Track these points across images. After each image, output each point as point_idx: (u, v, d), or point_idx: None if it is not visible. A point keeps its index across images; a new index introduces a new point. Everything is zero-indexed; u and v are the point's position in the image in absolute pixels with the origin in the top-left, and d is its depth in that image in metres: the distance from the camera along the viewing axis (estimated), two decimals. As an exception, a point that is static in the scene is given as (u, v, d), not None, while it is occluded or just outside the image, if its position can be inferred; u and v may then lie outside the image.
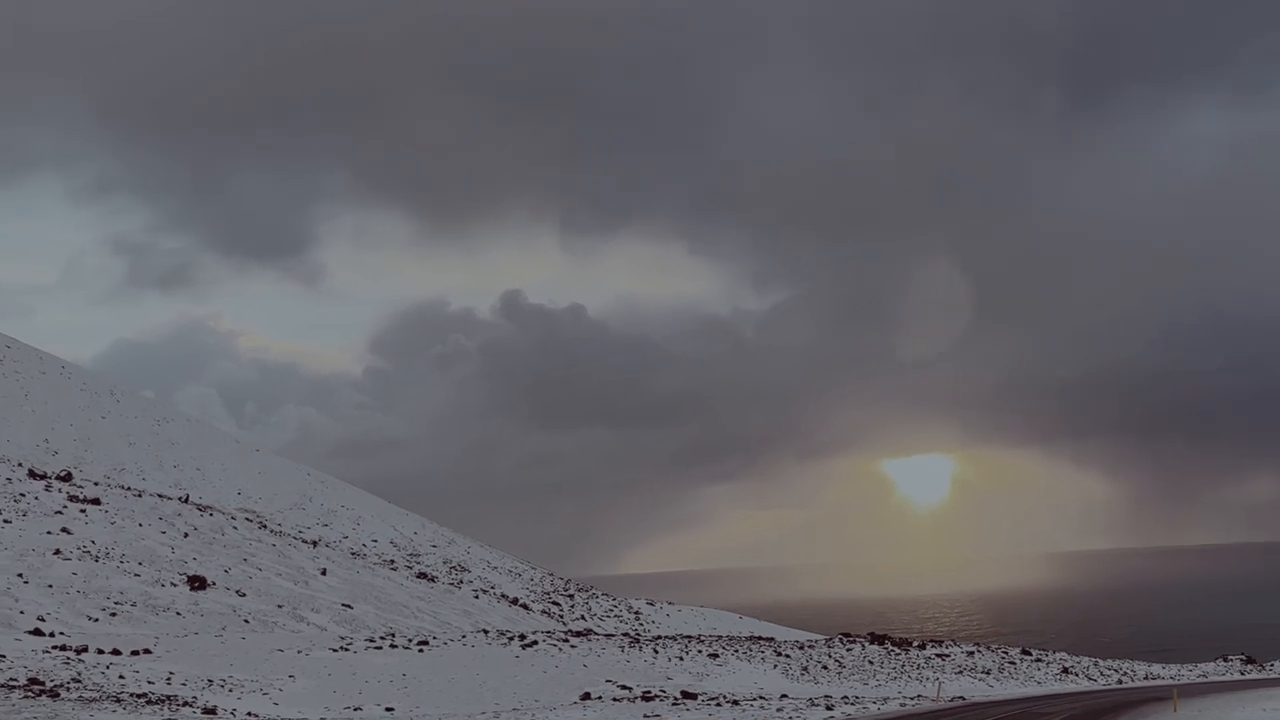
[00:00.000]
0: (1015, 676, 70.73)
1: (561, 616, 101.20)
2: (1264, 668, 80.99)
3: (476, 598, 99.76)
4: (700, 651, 70.32)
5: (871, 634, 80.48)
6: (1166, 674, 78.66)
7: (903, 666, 71.37)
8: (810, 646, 77.76)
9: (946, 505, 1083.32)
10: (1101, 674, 75.74)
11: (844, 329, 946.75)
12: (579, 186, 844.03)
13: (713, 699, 51.76)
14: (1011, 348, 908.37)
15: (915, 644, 77.48)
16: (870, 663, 72.29)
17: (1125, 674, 76.35)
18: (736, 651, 73.21)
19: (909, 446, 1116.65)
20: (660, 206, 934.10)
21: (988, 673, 70.74)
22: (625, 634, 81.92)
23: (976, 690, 64.69)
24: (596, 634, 78.42)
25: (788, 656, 73.05)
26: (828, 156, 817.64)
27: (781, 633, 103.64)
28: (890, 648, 74.97)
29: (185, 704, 40.64)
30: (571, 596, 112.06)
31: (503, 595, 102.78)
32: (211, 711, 38.69)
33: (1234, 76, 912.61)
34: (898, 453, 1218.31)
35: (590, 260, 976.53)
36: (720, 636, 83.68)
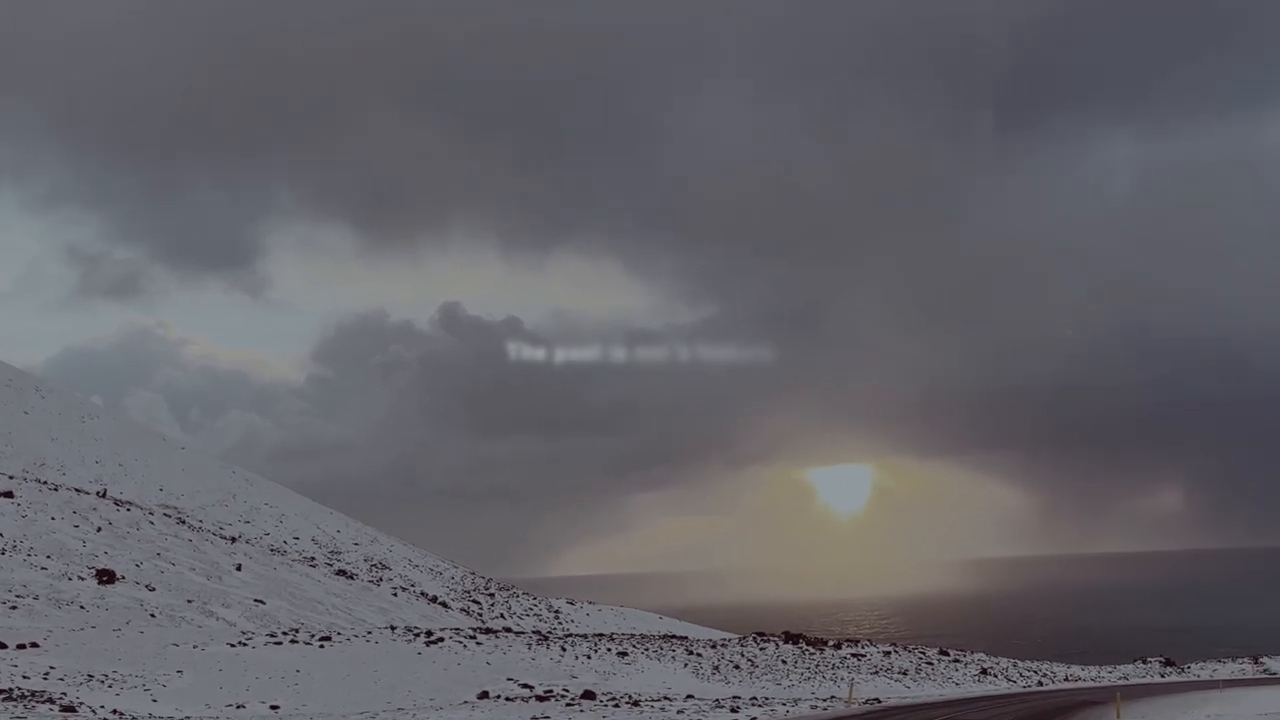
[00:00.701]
0: (933, 677, 68.06)
1: (480, 615, 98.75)
2: (1184, 670, 79.09)
3: (395, 595, 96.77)
4: (610, 650, 67.57)
5: (786, 633, 77.54)
6: (1087, 675, 76.61)
7: (817, 666, 68.50)
8: (723, 646, 74.80)
9: (866, 513, 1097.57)
10: (1021, 675, 73.37)
11: (771, 343, 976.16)
12: (519, 203, 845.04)
13: (613, 699, 48.59)
14: (934, 362, 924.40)
15: (830, 644, 74.61)
16: (783, 662, 69.39)
17: (1045, 675, 74.05)
18: (647, 650, 70.15)
19: (831, 456, 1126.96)
20: (598, 223, 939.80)
21: (904, 673, 68.02)
22: (535, 631, 78.19)
23: (893, 692, 61.86)
24: (505, 632, 74.48)
25: (699, 656, 70.04)
26: (766, 175, 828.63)
27: (699, 633, 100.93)
28: (805, 647, 72.19)
29: (47, 700, 36.52)
30: (492, 595, 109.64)
31: (422, 593, 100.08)
32: (71, 709, 34.56)
33: (1150, 107, 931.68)
34: (820, 462, 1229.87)
35: (528, 274, 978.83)
36: (634, 635, 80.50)
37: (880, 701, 51.35)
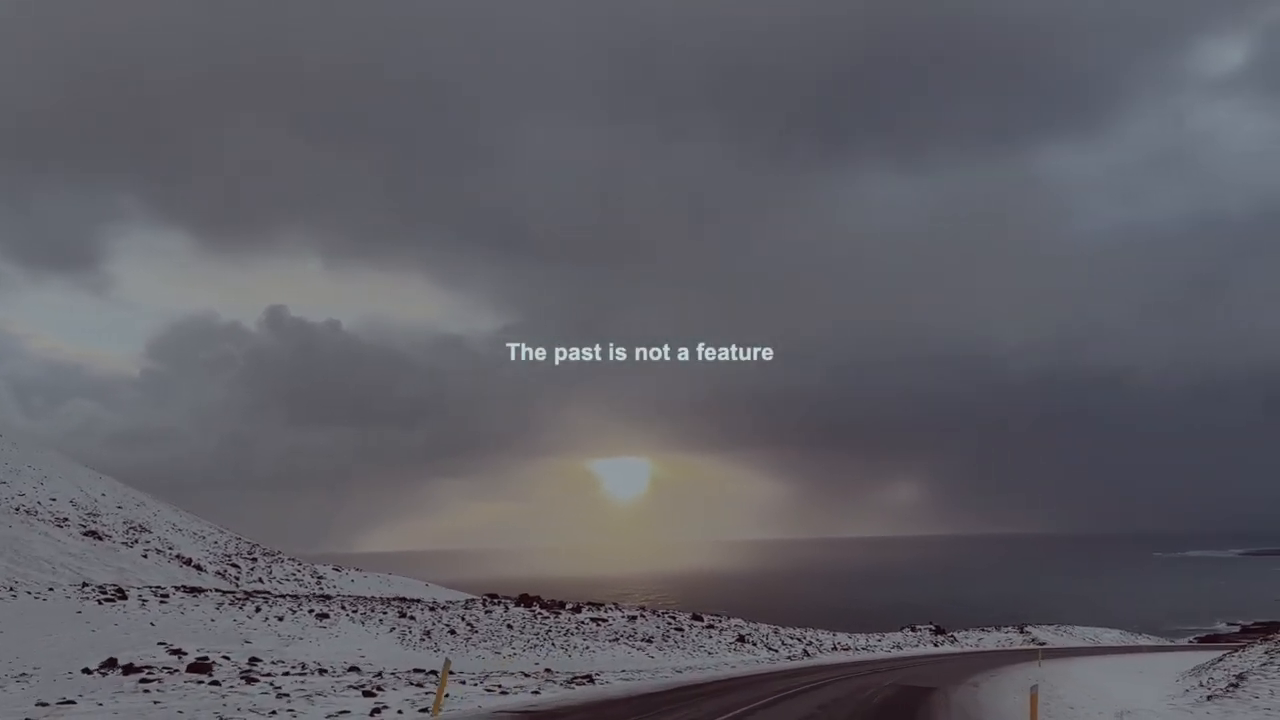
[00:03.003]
0: (682, 645, 51.72)
1: (238, 579, 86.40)
2: (953, 638, 65.55)
3: (145, 557, 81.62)
4: (310, 612, 53.23)
5: (523, 595, 59.95)
6: (855, 644, 61.30)
7: (548, 632, 51.49)
8: (443, 609, 56.97)
9: (643, 500, 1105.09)
10: (783, 643, 57.73)
11: (564, 346, 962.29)
12: (344, 215, 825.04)
13: (285, 669, 30.99)
14: (712, 365, 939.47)
15: (569, 606, 57.21)
16: (509, 627, 52.26)
17: (810, 643, 58.40)
18: (356, 613, 52.74)
19: (613, 449, 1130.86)
20: (415, 235, 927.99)
21: (649, 640, 51.50)
22: (231, 592, 60.31)
23: (633, 663, 44.72)
24: (206, 590, 60.73)
25: (412, 619, 52.46)
26: (588, 192, 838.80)
27: (446, 595, 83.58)
28: (538, 611, 54.53)
29: None
30: (255, 560, 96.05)
31: (177, 556, 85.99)
32: None
33: (927, 143, 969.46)
34: (603, 454, 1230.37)
35: (348, 280, 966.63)
36: (356, 598, 63.20)
37: (594, 681, 33.06)
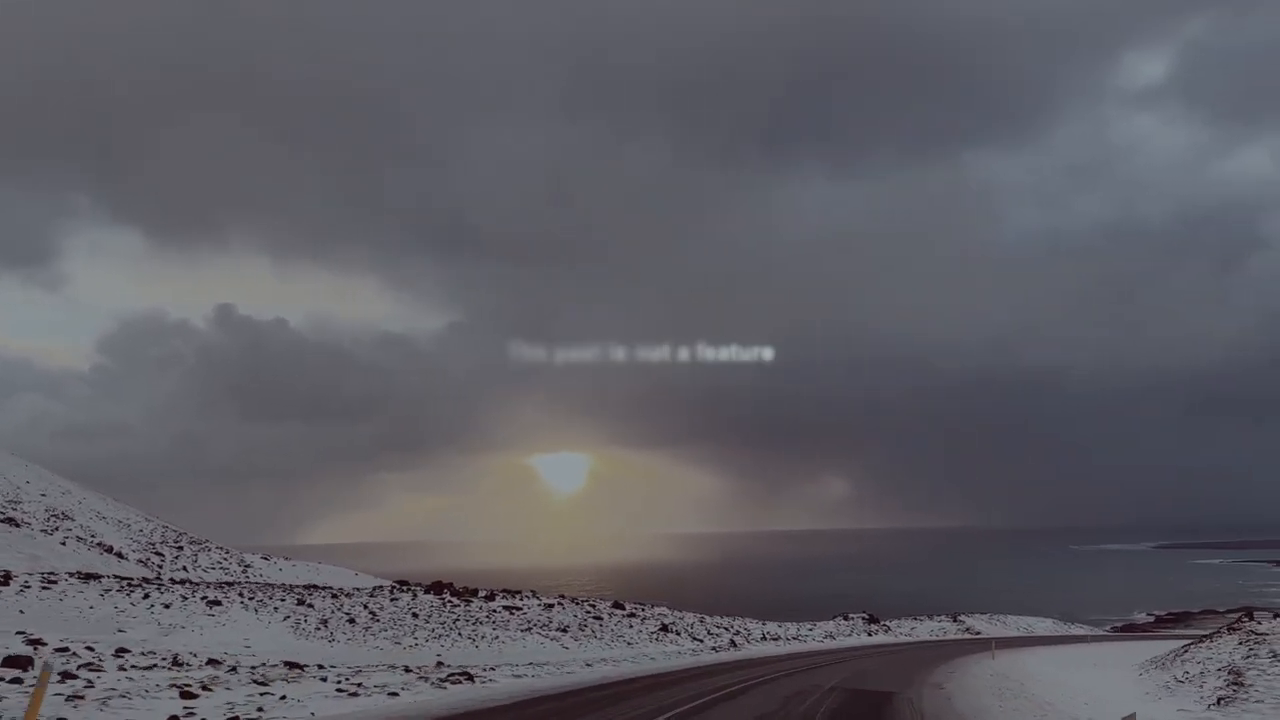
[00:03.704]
0: (600, 635, 46.52)
1: (161, 567, 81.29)
2: (887, 627, 61.08)
3: (64, 544, 76.72)
4: (203, 599, 48.94)
5: (435, 582, 54.48)
6: (785, 633, 56.37)
7: (455, 621, 46.05)
8: (348, 595, 51.33)
9: (583, 494, 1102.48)
10: (709, 632, 52.75)
11: (506, 345, 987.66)
12: (292, 216, 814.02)
13: (118, 666, 25.71)
14: (651, 365, 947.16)
15: (483, 594, 51.69)
16: (414, 615, 46.75)
17: (738, 633, 53.41)
18: (253, 600, 47.08)
19: (554, 445, 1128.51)
20: (363, 236, 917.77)
21: (564, 630, 46.23)
22: (127, 579, 55.02)
23: (545, 654, 39.45)
24: (102, 577, 55.38)
25: (310, 606, 46.85)
26: (541, 193, 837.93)
27: (364, 584, 78.44)
28: (448, 598, 48.98)
29: None
30: (181, 549, 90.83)
31: (99, 544, 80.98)
32: None
33: (863, 150, 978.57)
34: (543, 450, 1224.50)
35: (296, 279, 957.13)
36: (265, 585, 57.54)
37: (474, 680, 27.38)
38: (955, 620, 76.06)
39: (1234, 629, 31.50)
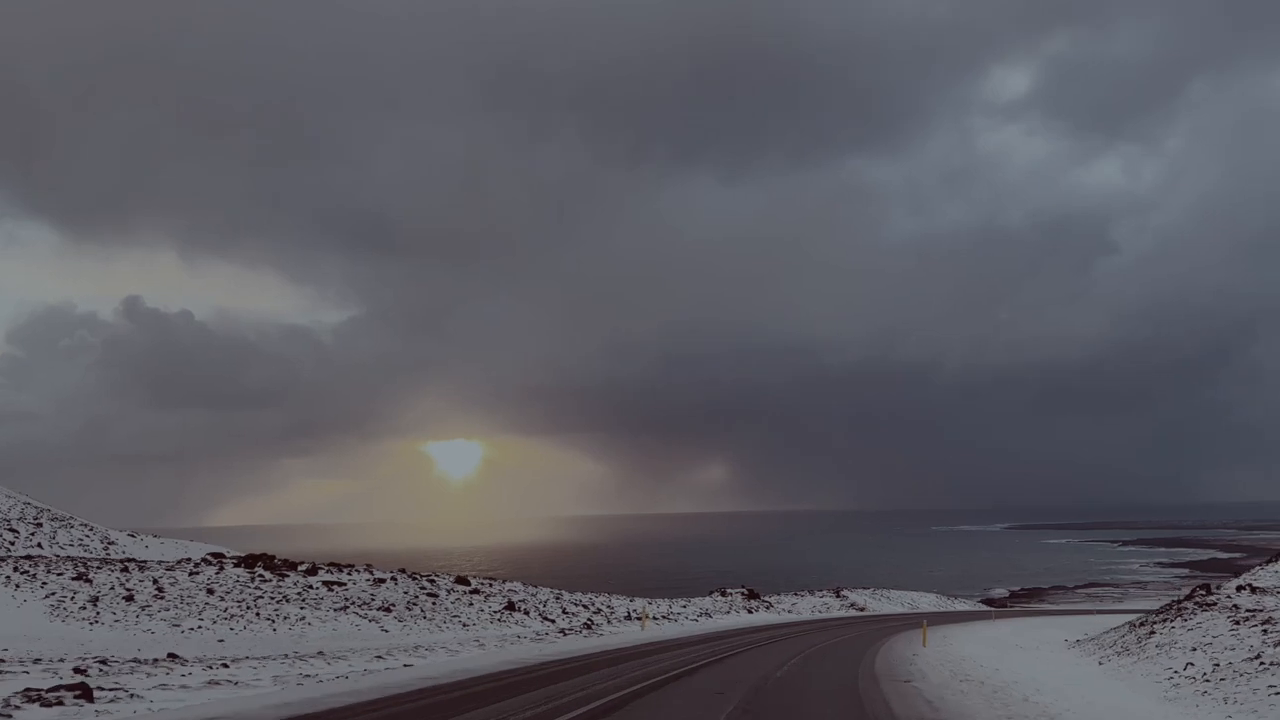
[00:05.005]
0: (431, 615, 37.32)
1: (12, 544, 74.00)
2: (768, 603, 53.13)
3: None
4: None
5: (250, 554, 44.51)
6: (655, 612, 47.69)
7: (257, 599, 36.42)
8: (140, 568, 41.01)
9: (475, 479, 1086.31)
10: (565, 610, 44.12)
11: (404, 337, 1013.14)
12: (199, 210, 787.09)
13: None
14: (542, 357, 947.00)
15: (302, 568, 41.65)
16: (210, 592, 36.76)
17: (598, 610, 44.53)
18: (18, 573, 38.38)
19: (448, 432, 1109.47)
20: (269, 230, 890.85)
21: (388, 609, 36.99)
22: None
23: (358, 639, 30.01)
24: None
25: (88, 581, 36.63)
26: (448, 192, 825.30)
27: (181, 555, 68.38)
28: (260, 572, 38.89)
29: None
30: (40, 525, 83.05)
31: None
32: None
33: (751, 157, 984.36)
34: (438, 437, 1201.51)
35: (201, 273, 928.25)
36: (44, 558, 48.33)
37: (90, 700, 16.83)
38: (838, 595, 68.74)
39: (1205, 605, 23.75)
